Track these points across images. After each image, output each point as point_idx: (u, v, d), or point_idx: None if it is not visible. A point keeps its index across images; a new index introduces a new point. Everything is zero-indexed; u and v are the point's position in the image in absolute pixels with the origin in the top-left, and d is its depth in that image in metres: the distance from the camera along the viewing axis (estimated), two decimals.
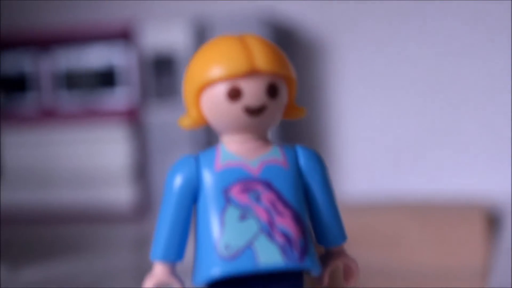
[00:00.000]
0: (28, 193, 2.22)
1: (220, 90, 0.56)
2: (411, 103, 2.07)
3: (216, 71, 0.56)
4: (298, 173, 0.58)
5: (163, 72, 2.08)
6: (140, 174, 2.15)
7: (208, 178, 0.57)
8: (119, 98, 2.16)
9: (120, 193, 2.15)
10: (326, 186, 0.59)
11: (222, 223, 0.56)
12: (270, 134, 0.60)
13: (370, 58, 2.10)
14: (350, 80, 2.14)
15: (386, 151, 2.10)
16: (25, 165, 2.23)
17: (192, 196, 0.58)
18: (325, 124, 2.17)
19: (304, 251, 0.55)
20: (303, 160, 0.59)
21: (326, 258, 0.60)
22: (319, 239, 0.60)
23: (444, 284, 1.49)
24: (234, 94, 0.56)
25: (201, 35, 2.06)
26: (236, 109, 0.56)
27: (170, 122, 2.04)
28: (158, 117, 2.09)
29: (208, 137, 2.02)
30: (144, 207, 2.14)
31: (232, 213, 0.56)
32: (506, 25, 1.97)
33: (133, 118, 2.15)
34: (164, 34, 2.07)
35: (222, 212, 0.56)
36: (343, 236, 0.61)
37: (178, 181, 0.58)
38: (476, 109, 2.02)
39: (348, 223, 1.62)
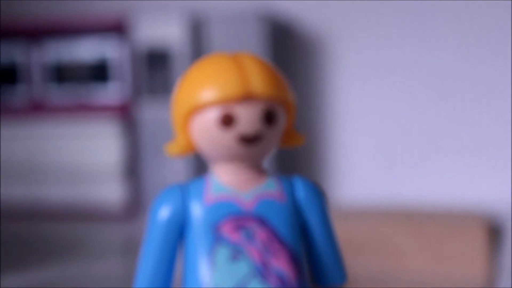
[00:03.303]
0: (16, 188, 2.17)
1: (212, 116, 0.50)
2: (410, 108, 2.03)
3: (207, 94, 0.50)
4: (295, 207, 0.53)
5: (156, 67, 2.02)
6: (131, 171, 2.10)
7: (197, 212, 0.52)
8: (111, 92, 2.11)
9: (110, 190, 2.10)
10: (325, 222, 0.54)
11: (212, 264, 0.50)
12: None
13: (369, 56, 2.05)
14: (347, 80, 2.09)
15: (383, 156, 2.05)
16: (13, 159, 2.17)
17: (178, 230, 0.53)
18: (321, 125, 2.12)
19: None
20: (301, 193, 0.54)
21: None
22: (317, 278, 0.55)
23: None
24: (227, 121, 0.50)
25: (197, 30, 2.00)
26: (229, 137, 0.51)
27: (162, 118, 1.99)
28: (150, 113, 2.04)
29: None
30: (135, 205, 2.09)
31: (223, 253, 0.51)
32: (507, 29, 1.93)
33: (125, 113, 2.09)
34: (158, 28, 2.02)
35: (212, 251, 0.51)
36: (342, 276, 0.55)
37: (163, 214, 0.53)
38: (476, 115, 1.98)
39: (344, 230, 1.57)
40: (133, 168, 2.11)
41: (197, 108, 0.51)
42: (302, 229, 0.54)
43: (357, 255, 1.58)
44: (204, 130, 0.51)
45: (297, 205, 0.53)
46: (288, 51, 2.11)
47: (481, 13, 1.96)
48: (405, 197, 2.00)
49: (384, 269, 1.55)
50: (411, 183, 2.02)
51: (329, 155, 2.12)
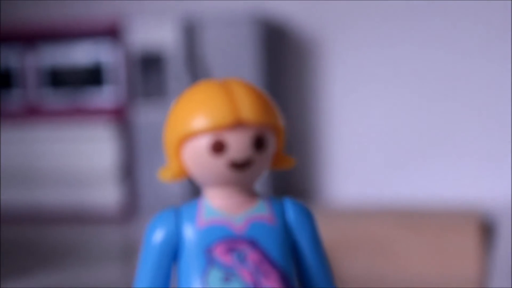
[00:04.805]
0: (12, 192, 2.18)
1: (203, 143, 0.52)
2: (404, 107, 2.04)
3: (198, 122, 0.52)
4: (286, 229, 0.55)
5: (151, 70, 2.03)
6: (127, 174, 2.12)
7: (189, 235, 0.54)
8: (106, 96, 2.12)
9: (106, 193, 2.11)
10: (315, 242, 0.56)
11: (205, 285, 0.52)
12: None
13: (363, 57, 2.07)
14: (341, 80, 2.10)
15: (378, 155, 2.07)
16: (9, 163, 2.19)
17: (172, 253, 0.54)
18: (316, 125, 2.13)
19: None
20: (291, 215, 0.55)
21: None
22: None
23: None
24: (218, 148, 0.52)
25: (190, 33, 2.01)
26: (220, 163, 0.52)
27: (157, 121, 2.01)
28: (145, 116, 2.05)
29: None
30: (131, 208, 2.11)
31: (215, 275, 0.52)
32: (507, 26, 1.94)
33: (120, 117, 2.11)
34: (152, 32, 2.03)
35: (205, 273, 0.52)
36: None
37: (157, 237, 0.54)
38: (471, 114, 1.99)
39: (339, 229, 1.59)
40: (129, 171, 2.12)
41: (189, 136, 0.52)
42: (292, 250, 0.55)
43: (352, 253, 1.60)
44: (196, 156, 0.53)
45: (287, 226, 0.55)
46: (282, 53, 2.12)
47: (477, 10, 1.97)
48: (400, 196, 2.02)
49: (379, 267, 1.57)
50: (406, 182, 2.04)
51: (325, 155, 2.13)
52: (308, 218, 0.56)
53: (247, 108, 0.52)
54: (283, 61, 2.12)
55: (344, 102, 2.10)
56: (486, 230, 1.61)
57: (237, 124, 0.52)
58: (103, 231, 1.95)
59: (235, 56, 1.96)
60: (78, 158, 2.14)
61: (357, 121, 2.09)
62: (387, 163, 2.06)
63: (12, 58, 2.21)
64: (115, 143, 2.11)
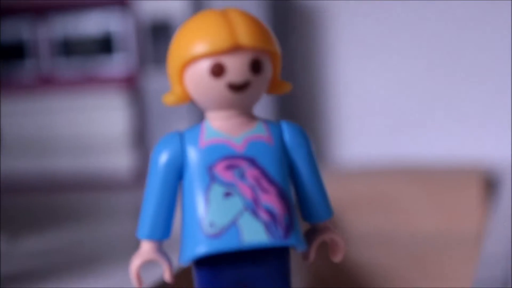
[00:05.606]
0: (27, 162, 2.22)
1: (203, 67, 0.55)
2: (409, 70, 2.06)
3: (199, 47, 0.55)
4: (283, 149, 0.58)
5: (160, 38, 2.06)
6: (139, 140, 2.15)
7: (193, 155, 0.57)
8: (116, 64, 2.15)
9: (119, 160, 2.15)
10: (311, 162, 0.59)
11: (207, 200, 0.55)
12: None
13: (369, 26, 2.08)
14: (348, 47, 2.12)
15: (384, 117, 2.09)
16: (23, 133, 2.23)
17: (177, 173, 0.58)
18: (323, 91, 2.16)
19: (289, 228, 0.55)
20: (288, 136, 0.59)
21: (312, 234, 0.60)
22: (305, 215, 0.60)
23: (441, 248, 1.50)
24: (217, 71, 0.55)
25: (198, 1, 2.04)
26: (219, 85, 0.56)
27: (167, 88, 2.03)
28: (156, 83, 2.08)
29: None
30: (143, 174, 2.14)
31: (217, 190, 0.56)
32: None
33: (131, 84, 2.14)
34: (160, 0, 2.05)
35: (207, 189, 0.56)
36: (329, 212, 0.60)
37: (163, 158, 0.58)
38: (474, 74, 2.01)
39: (348, 189, 1.62)
40: (141, 138, 2.16)
41: (190, 61, 0.56)
42: (290, 169, 0.59)
43: (361, 212, 1.63)
44: (197, 80, 0.56)
45: (284, 147, 0.58)
46: (290, 22, 2.14)
47: None
48: (406, 156, 2.04)
49: (386, 224, 1.60)
50: (411, 141, 2.06)
51: (332, 118, 2.16)
52: (304, 139, 0.59)
53: (245, 34, 0.55)
54: (290, 30, 2.14)
55: (349, 69, 2.12)
56: (490, 186, 1.64)
57: (235, 48, 0.55)
58: (116, 196, 1.99)
59: None
60: (90, 126, 2.18)
61: (362, 86, 2.11)
62: (393, 124, 2.08)
63: (24, 30, 2.25)
64: (127, 110, 2.14)
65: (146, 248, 0.59)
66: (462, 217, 1.54)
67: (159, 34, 2.06)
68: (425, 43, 2.04)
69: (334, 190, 1.63)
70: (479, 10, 1.99)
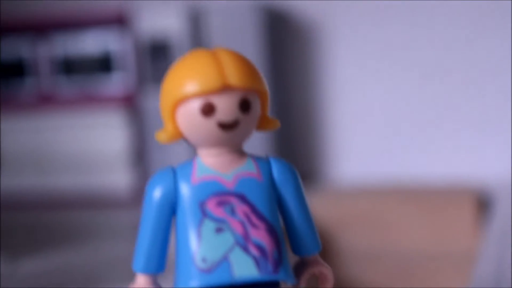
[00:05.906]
0: (26, 179, 2.24)
1: (194, 106, 0.57)
2: (404, 87, 2.08)
3: (189, 87, 0.57)
4: (272, 185, 0.60)
5: (158, 57, 2.08)
6: (137, 159, 2.17)
7: (185, 191, 0.59)
8: (116, 83, 2.17)
9: (118, 179, 2.17)
10: (299, 197, 0.61)
11: (199, 236, 0.57)
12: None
13: (364, 41, 2.10)
14: (344, 63, 2.14)
15: (378, 135, 2.11)
16: (23, 151, 2.25)
17: (171, 208, 0.60)
18: (318, 107, 2.17)
19: (278, 263, 0.57)
20: (276, 172, 0.60)
21: (301, 267, 0.62)
22: (294, 249, 0.62)
23: (434, 268, 1.51)
24: (208, 110, 0.57)
25: (196, 20, 2.06)
26: (210, 124, 0.57)
27: None
28: (155, 102, 2.10)
29: None
30: (142, 193, 2.16)
31: (209, 226, 0.57)
32: (507, 7, 1.96)
33: (130, 103, 2.16)
34: (159, 19, 2.08)
35: (199, 225, 0.57)
36: (317, 245, 0.62)
37: (157, 194, 0.60)
38: (469, 93, 2.02)
39: (341, 207, 1.63)
40: (140, 156, 2.17)
41: (182, 100, 0.58)
42: (279, 204, 0.61)
43: (354, 230, 1.64)
44: (189, 118, 0.58)
45: (273, 182, 0.60)
46: (285, 39, 2.16)
47: None
48: (400, 175, 2.06)
49: (380, 242, 1.61)
50: (405, 160, 2.07)
51: (327, 135, 2.17)
52: (292, 175, 0.61)
53: (233, 74, 0.57)
54: (286, 47, 2.16)
55: (345, 85, 2.14)
56: (483, 205, 1.65)
57: (225, 89, 0.57)
58: (115, 214, 2.00)
59: (239, 42, 2.01)
60: (90, 144, 2.20)
61: (357, 104, 2.13)
62: (387, 143, 2.10)
63: (24, 48, 2.27)
64: (126, 129, 2.16)
65: (141, 281, 0.61)
66: (454, 237, 1.55)
67: (158, 53, 2.08)
68: (420, 64, 2.06)
69: (328, 208, 1.65)
70: (475, 30, 2.00)
